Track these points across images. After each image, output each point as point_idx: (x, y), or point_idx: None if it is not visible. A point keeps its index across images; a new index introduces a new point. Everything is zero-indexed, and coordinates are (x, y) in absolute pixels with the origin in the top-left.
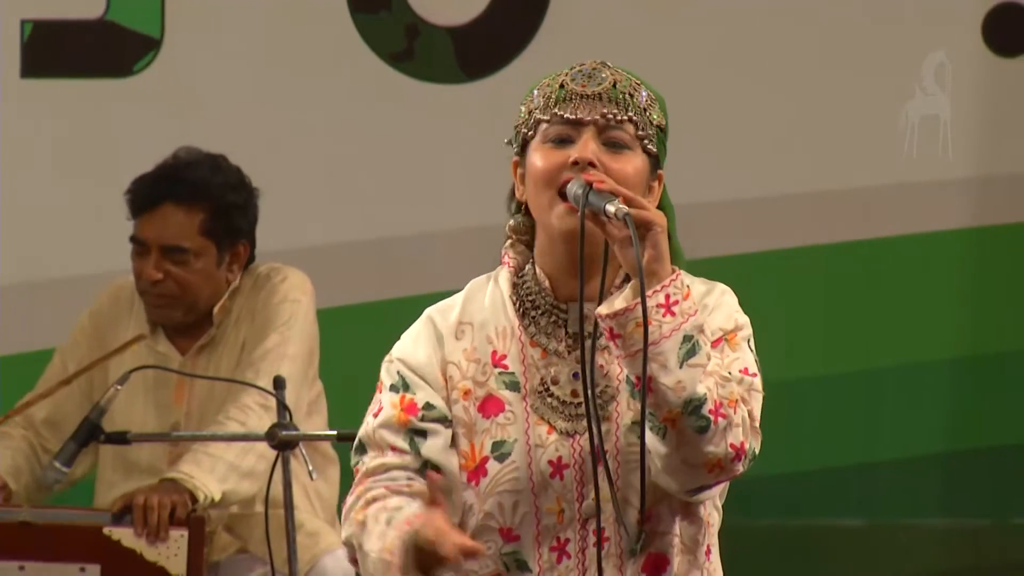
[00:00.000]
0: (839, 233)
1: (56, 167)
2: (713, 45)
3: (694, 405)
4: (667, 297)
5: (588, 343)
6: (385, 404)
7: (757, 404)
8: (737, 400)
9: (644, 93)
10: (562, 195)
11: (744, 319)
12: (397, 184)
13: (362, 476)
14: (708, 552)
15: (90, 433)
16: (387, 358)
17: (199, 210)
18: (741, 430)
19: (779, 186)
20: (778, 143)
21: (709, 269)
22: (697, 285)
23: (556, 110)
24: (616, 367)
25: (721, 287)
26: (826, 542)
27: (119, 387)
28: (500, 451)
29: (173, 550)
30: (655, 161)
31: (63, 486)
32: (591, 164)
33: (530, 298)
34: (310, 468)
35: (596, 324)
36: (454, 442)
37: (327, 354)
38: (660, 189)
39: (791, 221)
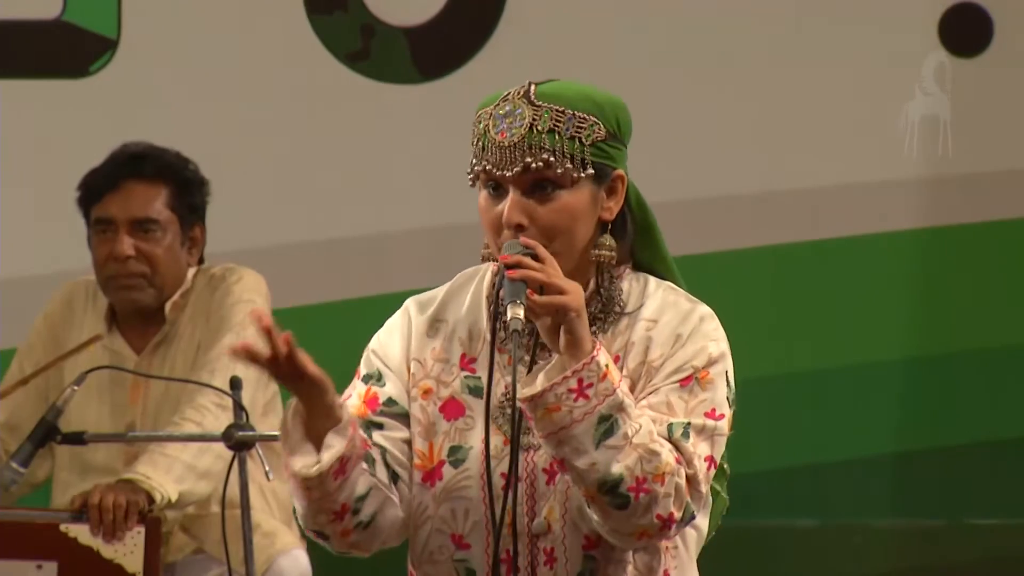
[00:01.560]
0: (789, 234)
1: (12, 167)
2: (673, 44)
3: (609, 485)
4: (580, 381)
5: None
6: (353, 394)
7: (718, 449)
8: (666, 473)
9: (570, 119)
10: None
11: (720, 350)
12: (352, 184)
13: None
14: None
15: (47, 434)
16: (369, 345)
17: (163, 185)
18: (672, 500)
19: (726, 187)
20: (723, 143)
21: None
22: (681, 303)
23: (483, 161)
24: None
25: (701, 311)
26: (778, 542)
27: (76, 388)
28: (456, 456)
29: (130, 547)
30: (601, 174)
31: (24, 489)
32: (519, 227)
33: (504, 306)
34: (267, 468)
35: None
36: (410, 439)
37: None
38: (624, 188)
39: (740, 222)
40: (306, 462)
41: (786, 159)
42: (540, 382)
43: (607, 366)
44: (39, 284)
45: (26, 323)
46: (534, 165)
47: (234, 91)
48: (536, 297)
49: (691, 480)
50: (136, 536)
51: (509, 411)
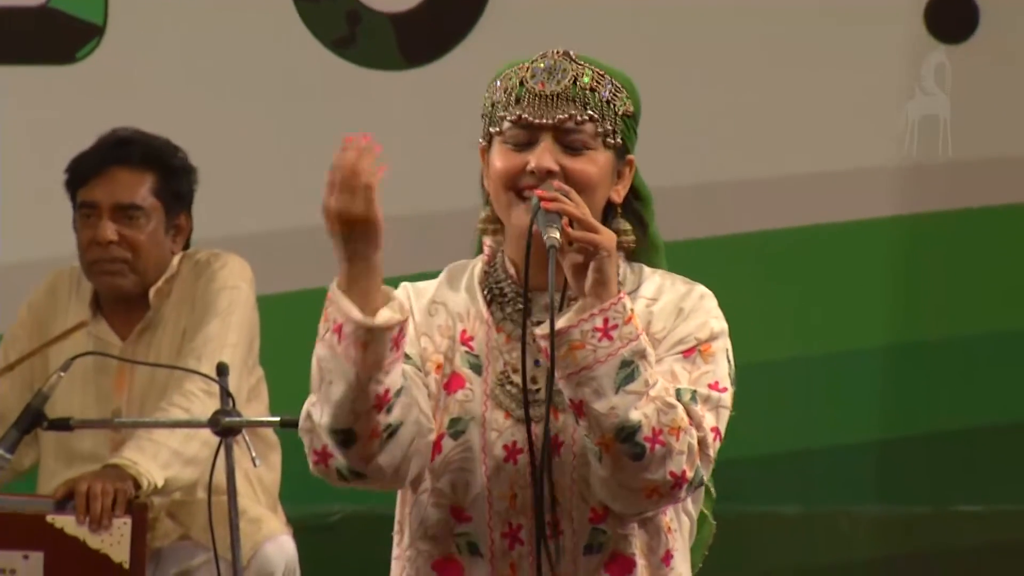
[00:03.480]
0: (770, 221)
1: None
2: (661, 34)
3: (627, 432)
4: (605, 321)
5: (532, 337)
6: None
7: (723, 421)
8: (681, 427)
9: (608, 84)
10: (521, 196)
11: (721, 326)
12: None
13: None
14: (667, 558)
15: (33, 420)
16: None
17: (148, 172)
18: (684, 458)
19: (707, 174)
20: (704, 131)
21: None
22: (678, 285)
23: (516, 110)
24: None
25: (700, 290)
26: (763, 529)
27: (62, 374)
28: (455, 428)
29: (116, 537)
30: (622, 150)
31: (9, 477)
32: (549, 173)
33: (499, 285)
34: (253, 455)
35: (524, 334)
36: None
37: (267, 341)
38: (631, 174)
39: (721, 209)
40: (365, 315)
41: (766, 147)
42: (567, 318)
43: (632, 311)
44: (30, 270)
45: (11, 310)
46: (579, 117)
47: (220, 77)
48: (572, 231)
49: (701, 443)
50: (123, 526)
51: (509, 387)
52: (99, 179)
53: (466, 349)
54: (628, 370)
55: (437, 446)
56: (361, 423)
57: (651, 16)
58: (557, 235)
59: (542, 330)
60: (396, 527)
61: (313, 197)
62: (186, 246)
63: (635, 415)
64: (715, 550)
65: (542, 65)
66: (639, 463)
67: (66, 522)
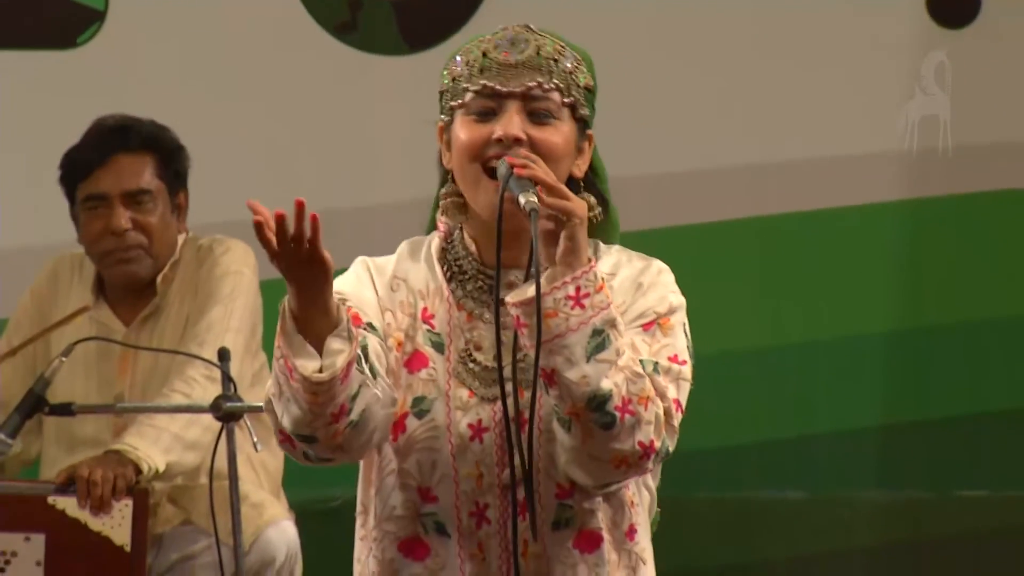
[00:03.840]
0: (774, 206)
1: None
2: (663, 21)
3: (598, 401)
4: (577, 289)
5: (504, 312)
6: None
7: (683, 394)
8: (649, 397)
9: (570, 56)
10: (488, 171)
11: (679, 301)
12: (339, 156)
13: None
14: (631, 533)
15: (35, 405)
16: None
17: (149, 155)
18: (652, 428)
19: (711, 159)
20: (710, 115)
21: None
22: (635, 261)
23: (481, 80)
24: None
25: (658, 264)
26: (766, 515)
27: (64, 359)
28: (419, 407)
29: (117, 520)
30: (583, 124)
31: (15, 468)
32: (517, 140)
33: (458, 263)
34: (255, 440)
35: (497, 305)
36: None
37: (270, 326)
38: (591, 150)
39: (725, 194)
40: (314, 366)
41: (772, 131)
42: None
43: (603, 279)
44: (30, 256)
45: (12, 296)
46: (546, 84)
47: (221, 62)
48: (546, 197)
49: (666, 413)
50: (124, 508)
51: (472, 365)
52: (103, 169)
53: (428, 327)
54: (599, 339)
55: (401, 425)
56: (321, 432)
57: (653, 5)
58: (535, 199)
59: (514, 297)
60: (359, 507)
61: (314, 182)
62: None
63: (606, 384)
64: (719, 534)
65: (504, 36)
66: (609, 432)
67: (67, 504)
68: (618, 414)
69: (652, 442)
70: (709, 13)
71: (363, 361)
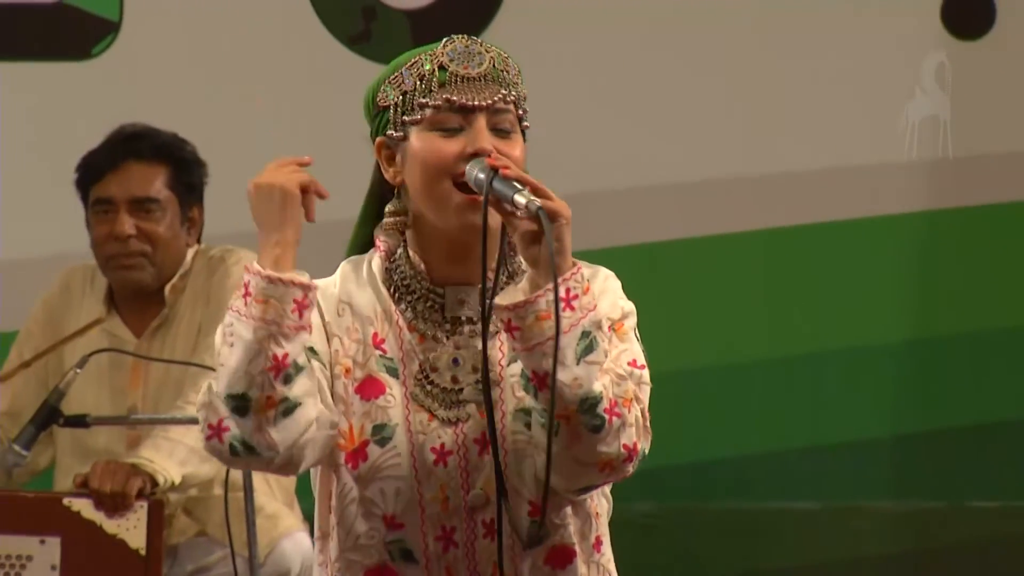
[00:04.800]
0: (785, 217)
1: (14, 150)
2: (672, 30)
3: (590, 403)
4: (568, 291)
5: (485, 327)
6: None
7: (646, 397)
8: (631, 399)
9: (512, 66)
10: (459, 186)
11: (630, 306)
12: (352, 167)
13: None
14: (598, 544)
15: (49, 416)
16: None
17: (162, 165)
18: (634, 430)
19: (721, 170)
20: (718, 127)
21: (655, 253)
22: (583, 267)
23: (443, 94)
24: (498, 352)
25: (604, 272)
26: (777, 525)
27: (78, 371)
28: (381, 435)
29: (132, 522)
30: (523, 135)
31: (26, 476)
32: (489, 156)
33: (404, 282)
34: None
35: (486, 311)
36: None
37: None
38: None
39: (735, 205)
40: (272, 265)
41: (782, 142)
42: (523, 289)
43: (588, 281)
44: (41, 266)
45: (27, 306)
46: (507, 97)
47: (235, 73)
48: (537, 187)
49: (642, 414)
50: (139, 511)
51: (429, 387)
52: (113, 174)
53: (380, 352)
54: (587, 340)
55: (362, 453)
56: (255, 388)
57: (664, 14)
58: (534, 198)
59: (505, 300)
60: (317, 532)
61: (330, 192)
62: (198, 240)
63: (596, 386)
64: (730, 545)
65: (455, 49)
66: (597, 435)
67: (83, 506)
68: (607, 416)
69: (635, 444)
70: (717, 28)
71: (313, 350)
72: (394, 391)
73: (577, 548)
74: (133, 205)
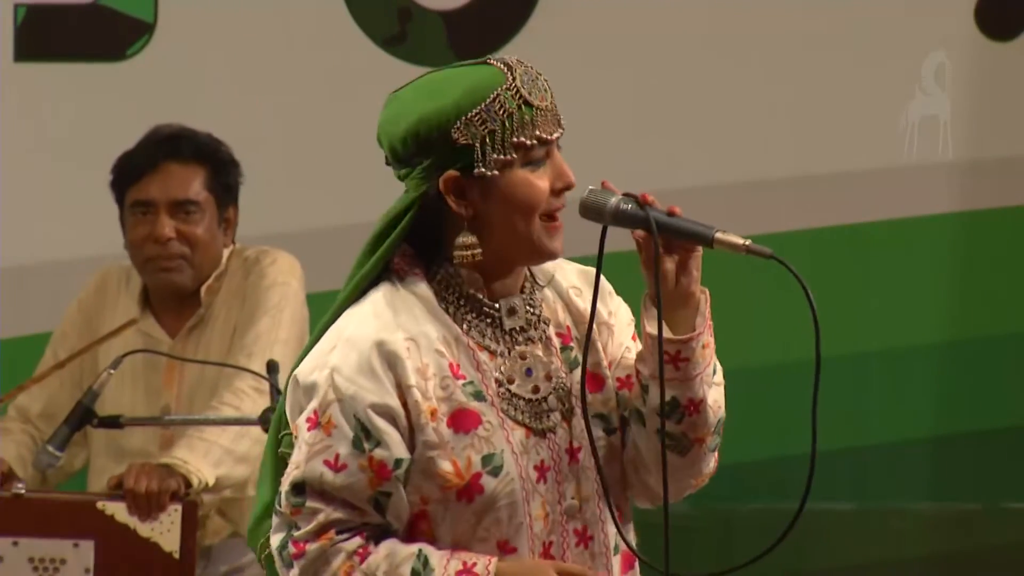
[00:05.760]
0: (826, 218)
1: (49, 151)
2: (708, 32)
3: (720, 424)
4: (707, 318)
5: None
6: (349, 463)
7: None
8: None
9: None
10: (544, 219)
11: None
12: (387, 168)
13: (321, 528)
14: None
15: (83, 417)
16: (328, 393)
17: (200, 166)
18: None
19: (764, 171)
20: (766, 129)
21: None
22: (573, 268)
23: (534, 131)
24: (556, 360)
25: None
26: (816, 525)
27: (112, 371)
28: (492, 465)
29: (166, 525)
30: None
31: (60, 477)
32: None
33: (461, 302)
34: None
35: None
36: (427, 467)
37: None
38: None
39: (775, 206)
40: None
41: (823, 143)
42: (697, 323)
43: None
44: (75, 268)
45: (62, 307)
46: (562, 127)
47: (270, 74)
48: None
49: None
50: (173, 514)
51: (515, 400)
52: (152, 176)
53: (461, 381)
54: (714, 363)
55: (476, 487)
56: None
57: (701, 11)
58: (737, 238)
59: (654, 329)
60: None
61: (362, 194)
62: (233, 240)
63: (723, 407)
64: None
65: (531, 77)
66: (713, 454)
67: (117, 509)
68: (719, 436)
69: (717, 461)
70: (756, 27)
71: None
72: (489, 417)
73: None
74: (173, 207)
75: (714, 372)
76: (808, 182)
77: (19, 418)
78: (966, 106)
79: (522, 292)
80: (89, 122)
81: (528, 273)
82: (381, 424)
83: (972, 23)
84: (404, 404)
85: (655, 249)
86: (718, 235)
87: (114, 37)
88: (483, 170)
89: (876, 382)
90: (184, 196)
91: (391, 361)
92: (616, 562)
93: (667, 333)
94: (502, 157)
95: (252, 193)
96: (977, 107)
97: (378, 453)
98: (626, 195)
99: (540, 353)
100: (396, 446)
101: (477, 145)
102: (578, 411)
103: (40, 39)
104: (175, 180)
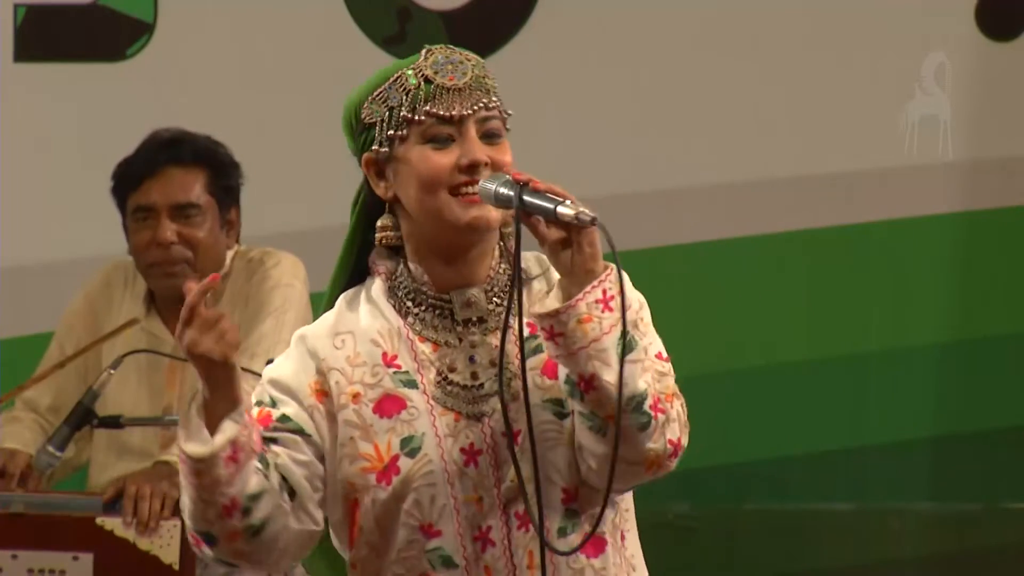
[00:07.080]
0: (825, 218)
1: (49, 151)
2: (708, 32)
3: (636, 401)
4: (604, 292)
5: (515, 328)
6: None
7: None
8: (673, 394)
9: (489, 71)
10: (455, 194)
11: (641, 297)
12: None
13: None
14: (624, 536)
15: (83, 417)
16: (262, 379)
17: (201, 169)
18: (676, 424)
19: (764, 171)
20: (765, 128)
21: (694, 254)
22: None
23: (430, 108)
24: (514, 347)
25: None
26: (815, 526)
27: (112, 371)
28: (410, 447)
29: (166, 539)
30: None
31: (68, 470)
32: (484, 164)
33: (409, 296)
34: None
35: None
36: (351, 450)
37: None
38: None
39: (775, 206)
40: (198, 444)
41: (823, 143)
42: (560, 297)
43: (621, 281)
44: (75, 268)
45: (62, 307)
46: (490, 103)
47: (270, 74)
48: (569, 196)
49: (683, 408)
50: (172, 528)
51: (450, 387)
52: (153, 180)
53: (394, 370)
54: (626, 339)
55: (393, 468)
56: (216, 527)
57: (698, 12)
58: (582, 207)
59: (544, 308)
60: (348, 568)
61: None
62: (236, 241)
63: (641, 384)
64: (768, 545)
65: (438, 60)
66: (645, 433)
67: (115, 524)
68: (652, 413)
69: (679, 439)
70: (754, 28)
71: (268, 468)
72: (415, 402)
73: (609, 538)
74: (174, 211)
75: (627, 349)
76: (808, 182)
77: (29, 410)
78: (966, 106)
79: (487, 283)
80: (89, 122)
81: (499, 265)
82: (280, 395)
83: (972, 23)
84: (320, 385)
85: (516, 226)
86: (559, 209)
87: (114, 37)
88: (380, 148)
89: (876, 382)
90: (185, 199)
91: (310, 351)
92: (565, 544)
93: (541, 309)
94: (396, 133)
95: (252, 193)
96: (977, 107)
97: (268, 409)
98: (513, 178)
99: (494, 342)
100: (290, 409)
101: (377, 123)
102: (521, 397)
103: (40, 39)
104: (175, 184)
